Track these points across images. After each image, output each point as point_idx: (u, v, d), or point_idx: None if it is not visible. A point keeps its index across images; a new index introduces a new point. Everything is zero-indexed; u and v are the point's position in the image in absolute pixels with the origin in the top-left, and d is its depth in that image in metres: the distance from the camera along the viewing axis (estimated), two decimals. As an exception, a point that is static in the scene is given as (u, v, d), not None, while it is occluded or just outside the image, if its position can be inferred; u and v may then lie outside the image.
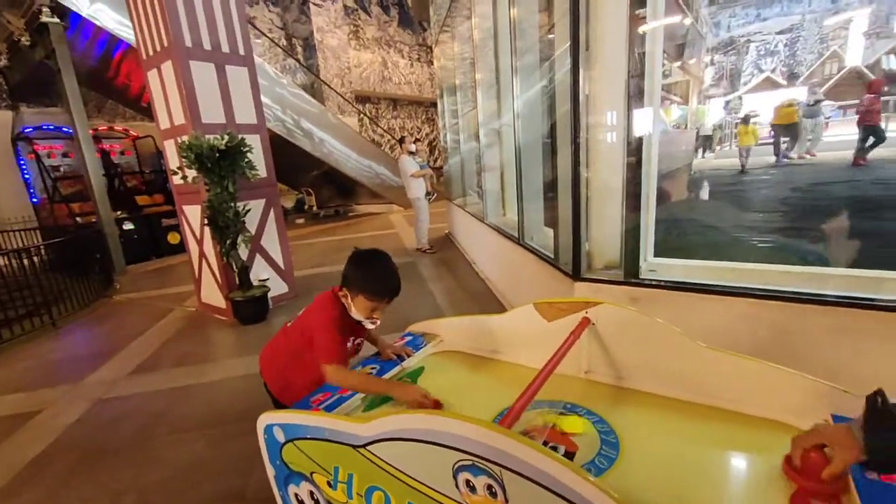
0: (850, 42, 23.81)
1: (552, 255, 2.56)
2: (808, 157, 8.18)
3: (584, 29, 2.01)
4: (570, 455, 0.94)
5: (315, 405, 1.23)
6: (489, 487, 0.76)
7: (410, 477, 0.88)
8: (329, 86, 12.13)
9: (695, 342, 1.12)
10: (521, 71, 2.97)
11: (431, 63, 16.16)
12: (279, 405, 1.51)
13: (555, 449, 0.95)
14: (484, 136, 4.11)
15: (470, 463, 0.78)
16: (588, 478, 0.64)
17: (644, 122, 2.05)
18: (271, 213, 4.21)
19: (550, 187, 2.94)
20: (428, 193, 5.63)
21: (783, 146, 8.62)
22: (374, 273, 1.35)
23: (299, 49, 12.26)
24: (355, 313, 1.36)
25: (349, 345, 1.43)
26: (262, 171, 4.01)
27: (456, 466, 0.80)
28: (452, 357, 1.53)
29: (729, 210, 5.48)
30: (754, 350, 1.71)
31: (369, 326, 1.40)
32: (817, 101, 8.32)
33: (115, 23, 5.83)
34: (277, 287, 4.22)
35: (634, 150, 2.07)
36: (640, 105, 2.04)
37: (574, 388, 1.26)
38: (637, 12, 1.97)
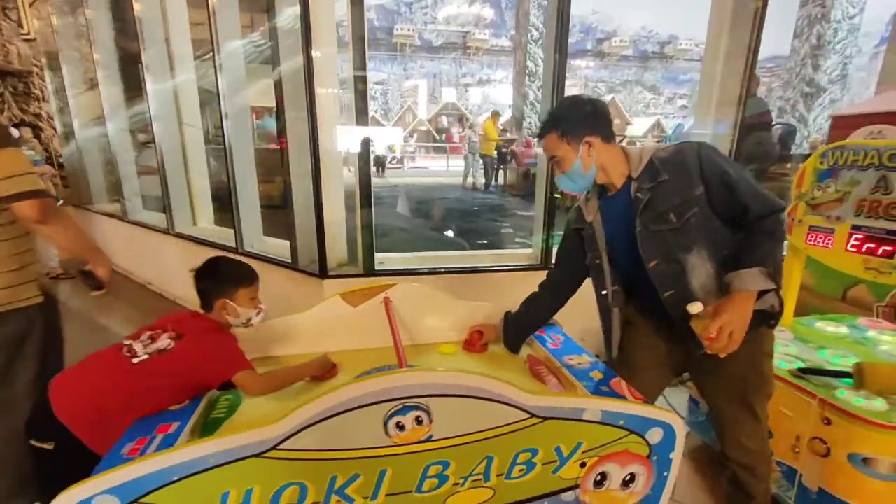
0: (420, 102, 33.67)
1: (289, 261, 2.65)
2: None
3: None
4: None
5: (135, 455, 0.99)
6: (417, 419, 1.00)
7: (336, 450, 0.97)
8: None
9: (455, 298, 1.67)
10: (226, 70, 2.83)
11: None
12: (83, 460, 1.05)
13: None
14: (160, 133, 3.48)
15: (400, 406, 0.98)
16: (493, 376, 1.01)
17: (364, 139, 2.50)
18: None
19: (270, 196, 2.97)
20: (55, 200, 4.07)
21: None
22: (234, 266, 1.37)
23: None
24: (243, 313, 1.34)
25: None
26: None
27: (387, 415, 0.98)
28: (262, 364, 1.49)
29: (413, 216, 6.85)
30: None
31: (257, 320, 1.38)
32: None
33: None
34: None
35: (363, 164, 2.50)
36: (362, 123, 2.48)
37: (390, 355, 1.53)
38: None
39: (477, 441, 1.05)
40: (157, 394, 1.18)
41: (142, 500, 0.89)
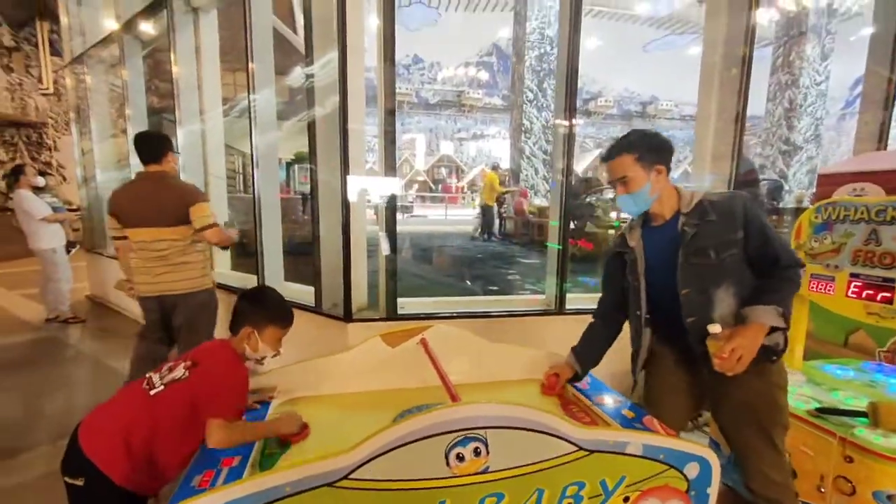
0: (417, 154, 35.07)
1: (311, 304, 2.72)
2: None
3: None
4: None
5: (205, 486, 1.03)
6: (475, 450, 1.06)
7: (400, 480, 1.02)
8: None
9: (484, 340, 1.75)
10: (259, 125, 3.04)
11: (10, 69, 11.79)
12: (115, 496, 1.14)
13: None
14: (187, 183, 3.65)
15: (461, 437, 1.05)
16: (543, 409, 1.09)
17: (388, 190, 2.67)
18: None
19: (293, 244, 3.08)
20: (71, 244, 4.17)
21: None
22: (277, 302, 1.43)
23: None
24: (262, 349, 1.37)
25: None
26: None
27: (449, 446, 1.04)
28: (303, 403, 1.53)
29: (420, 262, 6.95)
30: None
31: (269, 361, 1.42)
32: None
33: None
34: None
35: (389, 213, 2.65)
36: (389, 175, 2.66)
37: (425, 395, 1.60)
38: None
39: (529, 473, 1.11)
40: (176, 424, 1.19)
41: (220, 529, 0.93)
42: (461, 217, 14.33)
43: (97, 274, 5.25)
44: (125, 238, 2.27)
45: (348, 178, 2.46)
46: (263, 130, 3.06)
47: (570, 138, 2.71)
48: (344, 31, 2.33)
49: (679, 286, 1.34)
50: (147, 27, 4.02)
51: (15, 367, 3.28)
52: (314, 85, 2.57)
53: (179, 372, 1.25)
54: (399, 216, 2.70)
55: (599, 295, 1.68)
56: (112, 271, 4.82)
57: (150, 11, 3.84)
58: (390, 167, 2.55)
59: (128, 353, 3.70)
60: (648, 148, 1.35)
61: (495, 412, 1.07)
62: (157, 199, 2.20)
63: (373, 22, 2.55)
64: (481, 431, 1.06)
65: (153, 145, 2.27)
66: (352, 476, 0.99)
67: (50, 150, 13.04)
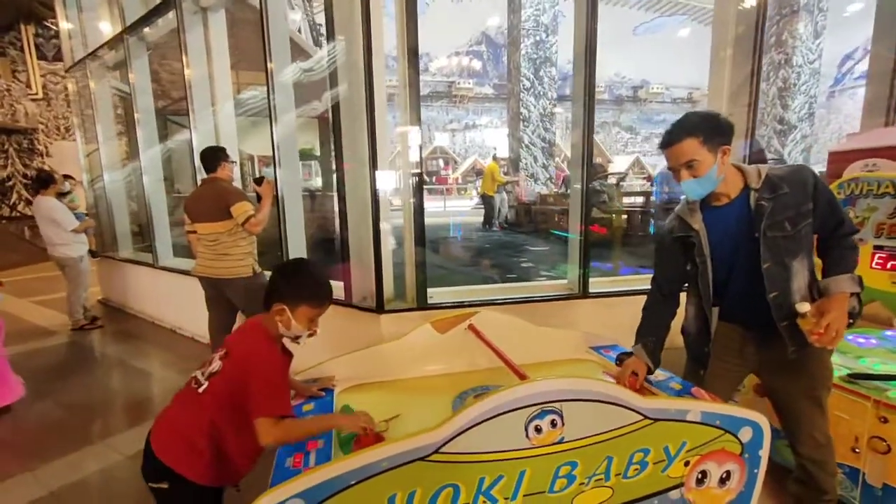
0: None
1: (341, 298, 2.77)
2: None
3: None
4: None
5: (299, 467, 1.10)
6: (552, 422, 1.13)
7: (485, 453, 1.09)
8: None
9: (528, 323, 1.81)
10: (280, 125, 3.07)
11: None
12: (200, 494, 1.17)
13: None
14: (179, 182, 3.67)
15: (539, 411, 1.11)
16: (609, 381, 1.16)
17: (418, 185, 2.71)
18: None
19: (321, 239, 3.12)
20: (93, 252, 4.19)
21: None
22: (314, 279, 1.29)
23: None
24: (295, 328, 1.24)
25: None
26: None
27: (528, 419, 1.11)
28: (364, 390, 1.60)
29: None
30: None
31: (306, 341, 1.29)
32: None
33: None
34: None
35: (417, 207, 2.70)
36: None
37: (477, 377, 1.67)
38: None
39: (600, 442, 1.18)
40: (228, 416, 1.19)
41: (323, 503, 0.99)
42: (460, 208, 14.36)
43: (108, 277, 5.27)
44: (195, 232, 2.77)
45: (377, 173, 2.50)
46: (283, 127, 3.08)
47: (589, 125, 2.77)
48: (368, 26, 2.35)
49: (762, 260, 1.35)
50: (155, 29, 3.99)
51: (48, 372, 3.30)
52: (337, 79, 2.59)
53: (216, 365, 1.23)
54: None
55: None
56: (129, 273, 4.84)
57: (157, 13, 3.82)
58: (416, 164, 2.59)
59: (149, 353, 3.77)
60: (713, 129, 1.33)
61: (570, 386, 1.14)
62: (208, 200, 2.66)
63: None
64: (557, 404, 1.13)
65: (209, 158, 2.76)
66: (442, 450, 1.05)
67: (42, 156, 12.89)
